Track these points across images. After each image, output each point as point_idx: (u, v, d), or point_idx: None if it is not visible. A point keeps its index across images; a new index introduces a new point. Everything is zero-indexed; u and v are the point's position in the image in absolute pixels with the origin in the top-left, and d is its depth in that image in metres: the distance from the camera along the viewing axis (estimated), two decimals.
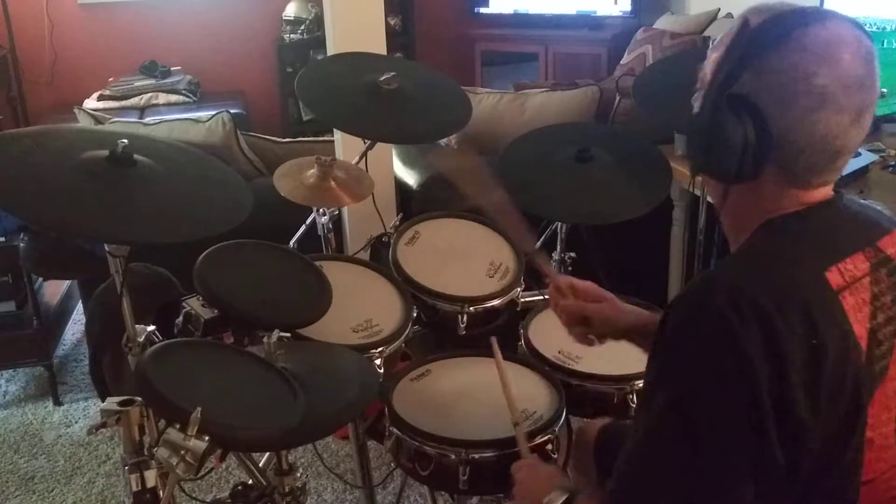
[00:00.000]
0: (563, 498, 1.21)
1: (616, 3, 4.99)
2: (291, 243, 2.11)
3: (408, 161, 2.82)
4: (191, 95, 4.83)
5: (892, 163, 2.30)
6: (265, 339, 1.41)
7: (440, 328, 1.90)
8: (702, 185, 2.24)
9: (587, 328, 1.46)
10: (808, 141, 0.98)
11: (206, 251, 1.64)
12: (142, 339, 1.51)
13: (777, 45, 0.97)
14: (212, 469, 2.38)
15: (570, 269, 2.15)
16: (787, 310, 0.91)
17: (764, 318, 0.90)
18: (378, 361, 1.70)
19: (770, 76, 0.98)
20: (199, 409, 1.14)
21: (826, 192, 1.05)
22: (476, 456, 1.49)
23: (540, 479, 1.32)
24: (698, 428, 0.93)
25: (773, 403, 0.90)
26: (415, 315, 1.83)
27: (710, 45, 1.10)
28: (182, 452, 1.15)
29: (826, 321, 0.93)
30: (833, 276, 0.97)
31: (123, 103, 4.70)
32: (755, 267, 0.98)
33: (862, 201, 1.10)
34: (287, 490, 1.57)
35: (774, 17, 0.99)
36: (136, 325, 1.51)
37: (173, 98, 4.78)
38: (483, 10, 5.28)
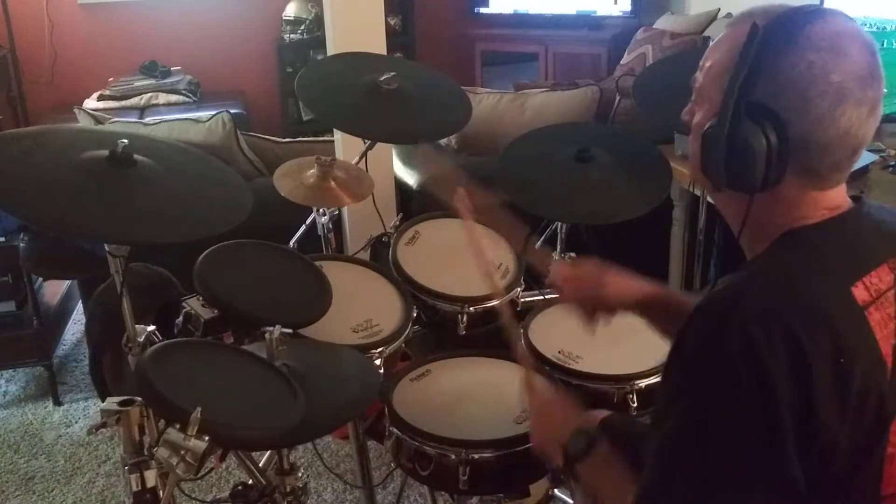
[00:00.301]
0: (585, 442, 1.21)
1: (616, 3, 4.99)
2: (291, 243, 2.11)
3: (408, 161, 2.82)
4: (191, 95, 4.83)
5: (892, 163, 2.30)
6: (267, 335, 1.41)
7: (440, 328, 1.90)
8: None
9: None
10: (831, 139, 0.96)
11: (206, 251, 1.64)
12: (142, 339, 1.51)
13: (788, 47, 0.96)
14: (212, 469, 2.38)
15: None
16: (815, 329, 0.90)
17: (792, 339, 0.89)
18: (378, 361, 1.70)
19: (786, 79, 0.95)
20: (199, 409, 1.14)
21: (841, 195, 1.03)
22: (476, 456, 1.49)
23: (558, 419, 1.30)
24: (715, 443, 0.92)
25: (796, 423, 0.89)
26: (415, 315, 1.83)
27: (705, 53, 1.07)
28: (182, 452, 1.15)
29: (853, 339, 0.92)
30: (859, 292, 0.95)
31: (123, 103, 4.70)
32: (783, 286, 0.96)
33: (884, 206, 1.07)
34: (288, 490, 1.57)
35: (779, 18, 0.97)
36: (136, 325, 1.51)
37: (173, 98, 4.78)
38: (483, 10, 5.28)
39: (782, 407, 0.89)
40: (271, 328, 1.42)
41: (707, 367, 0.94)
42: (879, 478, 0.96)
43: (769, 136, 0.96)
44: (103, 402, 1.46)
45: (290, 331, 1.47)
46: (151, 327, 1.54)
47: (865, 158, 2.25)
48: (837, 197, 1.03)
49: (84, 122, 2.87)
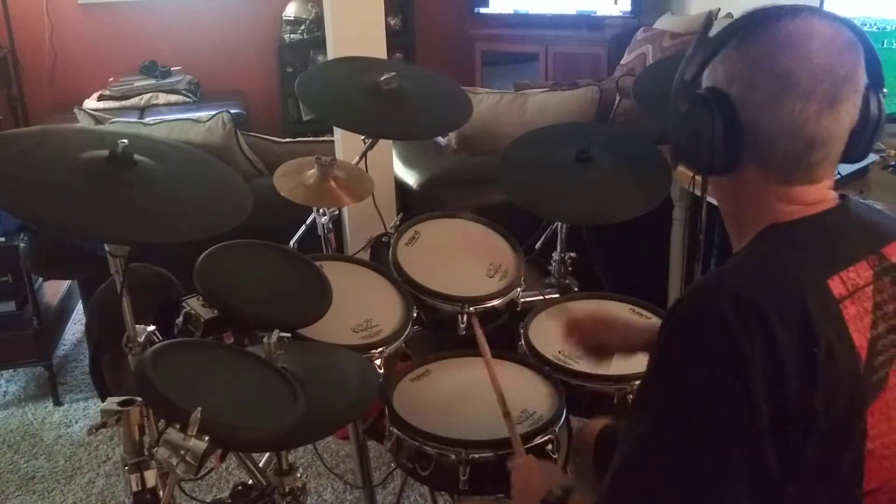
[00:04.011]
0: (560, 493, 1.22)
1: (616, 3, 4.99)
2: (291, 243, 2.11)
3: (408, 161, 2.82)
4: (191, 95, 4.83)
5: (893, 163, 2.30)
6: (265, 339, 1.41)
7: (440, 328, 1.90)
8: (702, 185, 2.24)
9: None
10: (776, 129, 0.98)
11: (206, 251, 1.64)
12: (142, 339, 1.51)
13: (746, 35, 0.99)
14: (212, 469, 2.38)
15: (569, 268, 2.15)
16: (788, 318, 0.91)
17: (765, 326, 0.90)
18: (378, 361, 1.70)
19: (737, 64, 1.00)
20: (199, 409, 1.14)
21: (824, 192, 1.04)
22: (476, 456, 1.49)
23: (536, 477, 1.32)
24: (693, 430, 0.93)
25: (770, 410, 0.90)
26: (415, 315, 1.83)
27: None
28: (182, 452, 1.15)
29: (826, 331, 0.93)
30: (835, 285, 0.96)
31: (123, 103, 4.69)
32: (759, 274, 0.98)
33: (874, 206, 1.09)
34: (287, 490, 1.57)
35: (751, 12, 1.01)
36: (136, 325, 1.51)
37: (173, 98, 4.78)
38: (483, 10, 5.28)
39: (757, 392, 0.90)
40: (268, 333, 1.42)
41: (684, 353, 0.96)
42: (861, 474, 0.97)
43: (715, 118, 1.00)
44: (103, 402, 1.46)
45: (288, 335, 1.47)
46: (151, 327, 1.54)
47: (865, 158, 2.25)
48: (813, 194, 1.03)
49: (84, 122, 2.87)
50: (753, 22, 1.00)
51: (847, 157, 1.04)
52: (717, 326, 0.92)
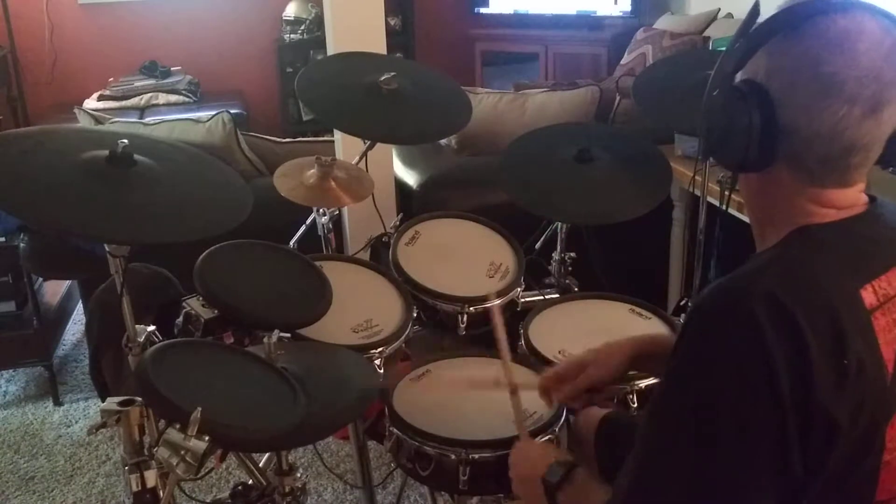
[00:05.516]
0: (563, 471, 1.19)
1: (616, 3, 4.99)
2: (291, 243, 2.11)
3: (408, 161, 2.82)
4: (191, 95, 4.83)
5: None
6: (265, 339, 1.41)
7: (440, 328, 1.90)
8: (702, 185, 2.24)
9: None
10: (815, 131, 0.94)
11: (206, 251, 1.64)
12: (142, 339, 1.51)
13: (792, 29, 0.95)
14: (212, 469, 2.38)
15: (570, 268, 2.15)
16: (819, 326, 0.89)
17: (795, 331, 0.88)
18: (378, 361, 1.70)
19: (780, 60, 0.95)
20: (199, 409, 1.14)
21: (857, 196, 1.01)
22: (476, 456, 1.49)
23: (535, 457, 1.29)
24: (717, 434, 0.91)
25: (797, 416, 0.89)
26: (415, 315, 1.83)
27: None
28: (182, 452, 1.15)
29: (857, 341, 0.91)
30: (867, 295, 0.94)
31: (123, 103, 4.70)
32: (790, 278, 0.94)
33: None
34: (287, 490, 1.57)
35: (799, 3, 0.96)
36: (136, 325, 1.51)
37: (173, 98, 4.78)
38: (483, 10, 5.29)
39: (785, 396, 0.88)
40: (269, 333, 1.42)
41: (710, 355, 0.93)
42: (875, 484, 0.96)
43: (752, 113, 0.96)
44: (103, 402, 1.46)
45: (288, 335, 1.47)
46: (151, 327, 1.54)
47: None
48: (846, 197, 1.00)
49: (84, 122, 2.87)
50: (801, 15, 0.94)
51: (882, 161, 1.00)
52: (747, 328, 0.89)
